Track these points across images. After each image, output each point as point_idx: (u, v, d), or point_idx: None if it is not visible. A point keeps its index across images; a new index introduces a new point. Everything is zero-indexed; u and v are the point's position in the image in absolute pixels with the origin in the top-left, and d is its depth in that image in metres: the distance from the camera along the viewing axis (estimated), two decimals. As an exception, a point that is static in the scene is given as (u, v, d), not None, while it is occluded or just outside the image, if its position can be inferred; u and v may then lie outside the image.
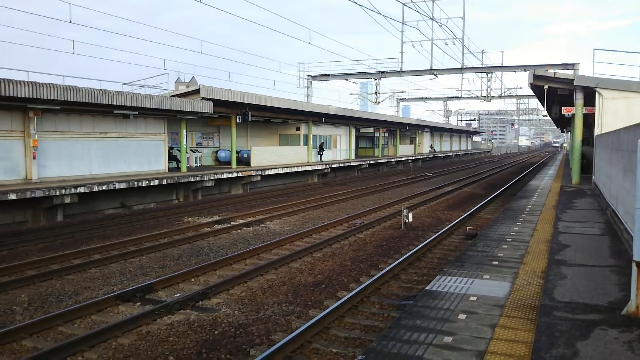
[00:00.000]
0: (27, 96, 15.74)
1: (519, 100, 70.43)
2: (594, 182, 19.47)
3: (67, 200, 16.69)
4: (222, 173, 24.08)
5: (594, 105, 19.67)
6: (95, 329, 7.12)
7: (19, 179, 17.41)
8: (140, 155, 22.10)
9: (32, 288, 9.46)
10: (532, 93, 31.19)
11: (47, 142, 18.29)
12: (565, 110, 22.06)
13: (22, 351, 6.72)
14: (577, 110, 21.05)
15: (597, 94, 19.27)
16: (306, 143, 35.07)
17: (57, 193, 16.34)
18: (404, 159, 49.95)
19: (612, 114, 18.85)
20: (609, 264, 8.10)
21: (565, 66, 34.09)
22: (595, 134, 19.32)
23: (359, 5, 21.51)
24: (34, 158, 17.56)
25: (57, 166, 18.69)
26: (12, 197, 15.08)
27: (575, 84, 20.28)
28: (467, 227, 14.51)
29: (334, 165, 35.34)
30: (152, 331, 7.31)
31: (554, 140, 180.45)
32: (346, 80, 43.04)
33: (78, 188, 17.02)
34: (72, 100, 17.08)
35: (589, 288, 6.75)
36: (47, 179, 18.07)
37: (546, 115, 48.56)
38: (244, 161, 29.04)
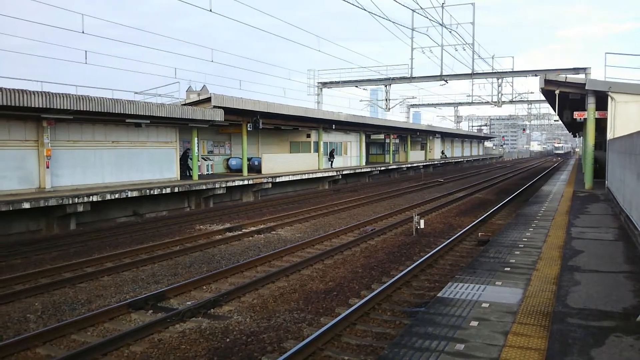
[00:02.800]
0: (40, 106, 15.93)
1: (530, 105, 70.17)
2: (607, 187, 19.29)
3: (80, 208, 16.83)
4: (233, 181, 24.17)
5: (606, 109, 19.53)
6: (107, 337, 7.16)
7: (33, 188, 17.60)
8: (152, 164, 22.25)
9: (45, 296, 9.54)
10: (543, 98, 31.03)
11: (61, 151, 18.48)
12: (577, 115, 21.92)
13: (36, 359, 6.78)
14: (589, 114, 20.89)
15: (609, 98, 19.13)
16: (317, 150, 35.11)
17: (70, 202, 16.49)
18: (415, 165, 49.81)
19: (624, 118, 18.69)
20: (623, 269, 8.02)
21: (576, 70, 33.91)
22: (608, 138, 19.17)
23: (369, 12, 21.58)
24: (48, 167, 17.75)
25: (70, 175, 18.87)
26: (26, 206, 15.24)
27: (587, 88, 20.15)
28: (479, 233, 14.42)
29: (344, 172, 35.33)
30: (164, 339, 7.33)
31: (555, 146, 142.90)
32: (356, 86, 43.09)
33: (91, 197, 17.16)
34: (84, 109, 17.25)
35: (603, 294, 6.68)
36: (60, 188, 18.24)
37: (558, 120, 48.23)
38: (255, 169, 29.13)
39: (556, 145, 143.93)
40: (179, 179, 23.59)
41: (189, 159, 25.54)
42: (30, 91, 15.63)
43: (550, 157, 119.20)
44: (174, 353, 6.86)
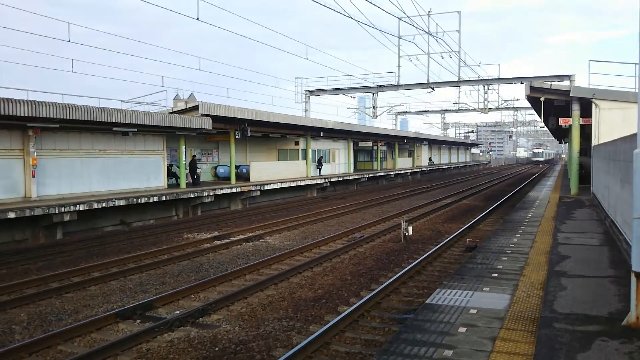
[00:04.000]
0: (26, 115, 15.80)
1: (516, 112, 70.71)
2: (592, 193, 19.51)
3: (67, 218, 16.69)
4: (221, 189, 24.10)
5: (590, 116, 19.80)
6: (95, 347, 7.10)
7: (19, 197, 17.42)
8: (139, 172, 22.13)
9: (31, 307, 9.43)
10: (529, 105, 31.35)
11: (47, 160, 18.32)
12: (562, 122, 22.18)
13: (22, 371, 6.70)
14: (574, 121, 21.16)
15: (593, 105, 19.39)
16: (305, 157, 35.15)
17: (57, 211, 16.34)
18: (402, 171, 50.01)
19: (608, 125, 18.94)
20: (609, 274, 8.11)
21: (561, 77, 34.29)
22: (593, 144, 19.41)
23: (356, 20, 21.72)
24: (34, 176, 17.59)
25: (56, 184, 18.70)
26: (12, 215, 15.08)
27: (571, 95, 20.42)
28: (467, 240, 14.52)
29: (333, 179, 35.38)
30: (152, 348, 7.28)
31: (534, 151, 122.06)
32: (344, 94, 43.21)
33: (77, 206, 17.02)
34: (71, 118, 17.14)
35: (589, 299, 6.75)
36: (46, 197, 18.08)
37: (544, 127, 48.77)
38: (243, 176, 29.07)
39: (535, 151, 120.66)
40: (166, 187, 23.48)
41: (176, 167, 25.45)
42: (15, 100, 15.50)
43: (530, 165, 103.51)
44: (162, 363, 6.81)
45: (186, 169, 25.12)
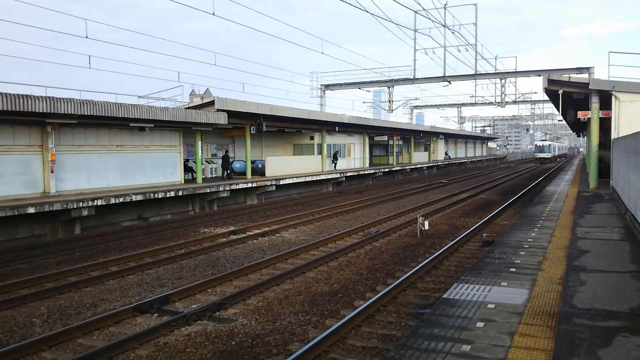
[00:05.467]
0: (45, 111, 15.98)
1: (533, 105, 69.98)
2: (612, 187, 19.22)
3: (85, 213, 16.87)
4: (237, 184, 24.18)
5: (610, 108, 19.46)
6: (113, 341, 7.17)
7: (38, 192, 17.65)
8: (156, 167, 22.29)
9: (51, 300, 9.56)
10: (546, 98, 30.95)
11: (65, 155, 18.53)
12: (580, 115, 21.83)
13: (42, 363, 6.79)
14: (593, 114, 20.83)
15: (613, 97, 19.06)
16: (320, 152, 35.11)
17: (75, 206, 16.53)
18: (418, 166, 49.77)
19: (629, 117, 18.62)
20: (630, 269, 7.98)
21: (580, 70, 33.83)
22: (612, 137, 19.10)
23: (371, 14, 21.59)
24: (52, 172, 17.80)
25: (74, 179, 18.92)
26: (31, 210, 15.28)
27: (590, 87, 20.09)
28: (484, 234, 14.39)
29: (348, 174, 35.32)
30: (169, 342, 7.33)
31: (538, 144, 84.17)
32: (359, 88, 43.10)
33: (95, 201, 17.20)
34: (89, 114, 17.31)
35: (610, 294, 6.65)
36: (65, 192, 18.29)
37: (562, 120, 48.13)
38: (258, 171, 29.16)
39: (540, 144, 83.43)
40: (183, 182, 23.62)
41: (192, 162, 25.59)
42: (34, 96, 15.69)
43: (533, 164, 73.26)
44: (180, 356, 6.86)
45: (202, 163, 25.24)
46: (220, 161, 29.40)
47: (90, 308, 9.09)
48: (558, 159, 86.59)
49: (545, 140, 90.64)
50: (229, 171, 27.27)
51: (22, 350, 6.93)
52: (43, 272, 11.49)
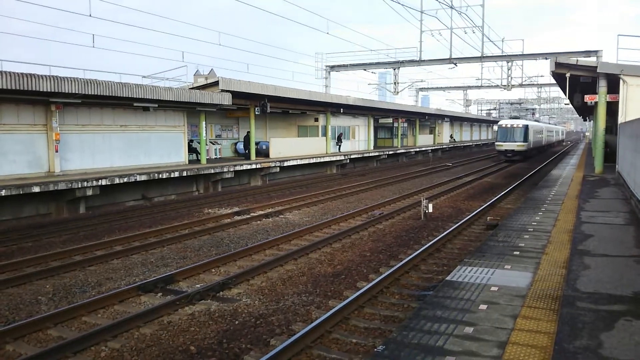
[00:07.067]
0: (49, 90, 15.95)
1: (540, 89, 69.56)
2: (617, 171, 19.12)
3: (89, 192, 16.91)
4: (241, 165, 24.18)
5: (617, 92, 19.26)
6: (118, 319, 7.23)
7: (42, 172, 17.69)
8: (160, 148, 22.29)
9: (56, 279, 9.63)
10: (553, 81, 30.64)
11: (69, 135, 18.53)
12: (587, 99, 21.63)
13: (48, 340, 6.85)
14: (600, 98, 20.63)
15: (621, 81, 18.86)
16: (324, 134, 35.00)
17: (79, 185, 16.57)
18: (423, 149, 49.59)
19: (637, 101, 18.43)
20: (634, 254, 7.96)
21: (587, 53, 33.45)
22: (619, 122, 18.95)
23: (377, -6, 21.32)
24: (57, 151, 17.81)
25: (79, 159, 18.94)
26: (36, 189, 15.33)
27: (598, 71, 19.87)
28: (488, 218, 14.38)
29: (352, 156, 35.25)
30: (173, 321, 7.39)
31: (504, 125, 41.46)
32: (365, 70, 42.74)
33: (100, 180, 17.23)
34: (93, 93, 17.26)
35: (613, 278, 6.64)
36: (69, 172, 18.33)
37: (568, 104, 47.74)
38: (262, 153, 29.10)
39: (505, 124, 42.04)
40: (187, 162, 23.63)
41: (196, 143, 25.55)
42: (38, 75, 15.63)
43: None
44: (184, 335, 6.91)
45: (207, 144, 25.21)
46: (224, 142, 29.38)
47: (95, 287, 9.16)
48: (548, 148, 58.45)
49: (518, 118, 57.77)
50: (247, 151, 27.30)
51: (29, 327, 7.00)
52: (48, 251, 11.57)
